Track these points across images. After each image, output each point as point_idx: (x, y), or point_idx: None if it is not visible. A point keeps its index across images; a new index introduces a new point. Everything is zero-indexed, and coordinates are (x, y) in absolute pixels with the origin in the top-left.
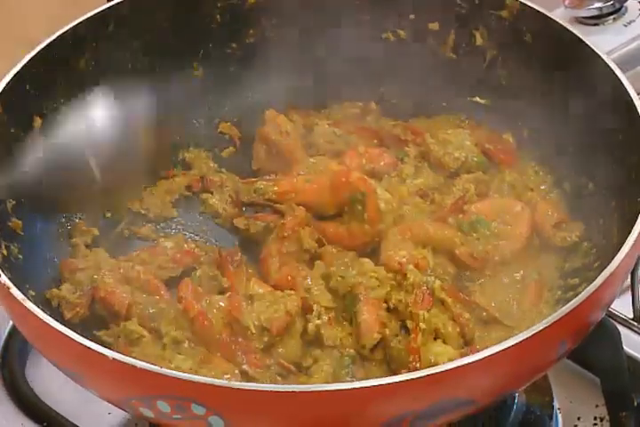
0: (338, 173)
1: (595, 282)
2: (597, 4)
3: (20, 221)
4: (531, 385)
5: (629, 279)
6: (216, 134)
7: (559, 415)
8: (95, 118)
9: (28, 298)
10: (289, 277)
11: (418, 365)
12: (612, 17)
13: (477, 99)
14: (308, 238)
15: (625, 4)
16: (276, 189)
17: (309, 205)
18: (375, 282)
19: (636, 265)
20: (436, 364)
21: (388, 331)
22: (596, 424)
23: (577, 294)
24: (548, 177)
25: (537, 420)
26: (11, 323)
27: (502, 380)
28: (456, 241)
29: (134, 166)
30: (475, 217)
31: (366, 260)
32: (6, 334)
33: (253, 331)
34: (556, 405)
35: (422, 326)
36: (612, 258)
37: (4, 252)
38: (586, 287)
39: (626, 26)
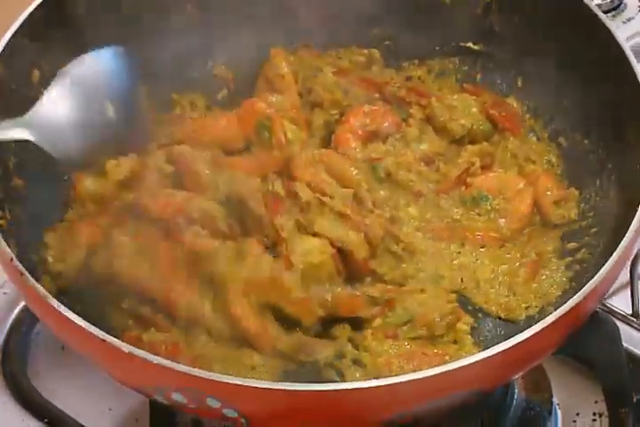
0: (244, 105)
1: (593, 279)
2: (596, 1)
3: (21, 181)
4: (530, 382)
5: (628, 276)
6: (211, 77)
7: (558, 411)
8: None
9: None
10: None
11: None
12: (610, 14)
13: (470, 44)
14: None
15: (624, 1)
16: (182, 130)
17: (218, 140)
18: None
19: (634, 261)
20: (310, 262)
21: None
22: (595, 420)
23: (576, 261)
24: (544, 132)
25: (536, 416)
26: (12, 319)
27: (507, 371)
28: (362, 185)
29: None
30: (477, 192)
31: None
32: (7, 329)
33: None
34: (556, 401)
35: (283, 234)
36: (612, 239)
37: (8, 216)
38: (585, 255)
39: (625, 23)
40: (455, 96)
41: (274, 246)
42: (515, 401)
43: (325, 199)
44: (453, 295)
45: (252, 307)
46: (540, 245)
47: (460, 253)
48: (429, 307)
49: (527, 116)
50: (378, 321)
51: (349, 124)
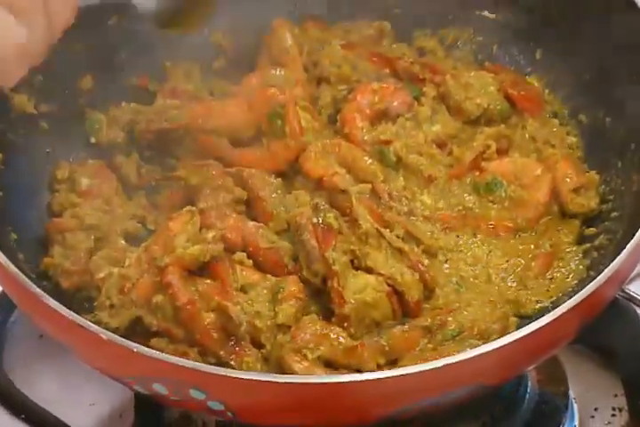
0: (255, 91)
1: (612, 264)
2: None
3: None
4: (544, 374)
5: None
6: (207, 44)
7: (575, 406)
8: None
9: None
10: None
11: (346, 306)
12: None
13: (486, 13)
14: (235, 187)
15: None
16: (188, 114)
17: (226, 127)
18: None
19: None
20: (363, 300)
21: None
22: (614, 415)
23: (594, 248)
24: (564, 108)
25: (551, 410)
26: None
27: (517, 364)
28: (378, 175)
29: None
30: (491, 178)
31: (301, 191)
32: None
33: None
34: (572, 395)
35: (335, 268)
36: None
37: None
38: (603, 241)
39: None
40: (472, 73)
41: (324, 282)
42: (528, 395)
43: (385, 232)
44: (500, 296)
45: (311, 361)
46: (556, 237)
47: (472, 244)
48: (479, 317)
49: (546, 91)
50: (427, 344)
51: (357, 103)
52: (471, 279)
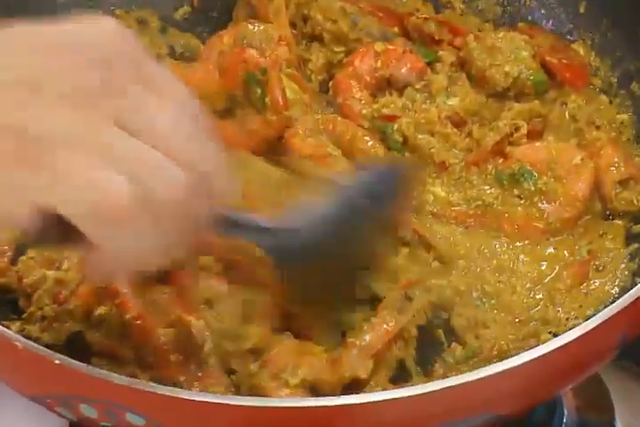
0: (229, 52)
1: None
2: None
3: None
4: (583, 398)
5: None
6: None
7: None
8: None
9: None
10: None
11: None
12: None
13: None
14: None
15: None
16: None
17: None
18: None
19: None
20: None
21: None
22: None
23: None
24: (612, 76)
25: None
26: None
27: (542, 386)
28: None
29: None
30: (518, 166)
31: None
32: None
33: None
34: (618, 424)
35: None
36: None
37: None
38: None
39: None
40: (500, 34)
41: None
42: (564, 425)
43: None
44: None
45: (293, 388)
46: (598, 242)
47: (494, 249)
48: (500, 334)
49: (592, 54)
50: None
51: (354, 68)
52: (493, 294)
